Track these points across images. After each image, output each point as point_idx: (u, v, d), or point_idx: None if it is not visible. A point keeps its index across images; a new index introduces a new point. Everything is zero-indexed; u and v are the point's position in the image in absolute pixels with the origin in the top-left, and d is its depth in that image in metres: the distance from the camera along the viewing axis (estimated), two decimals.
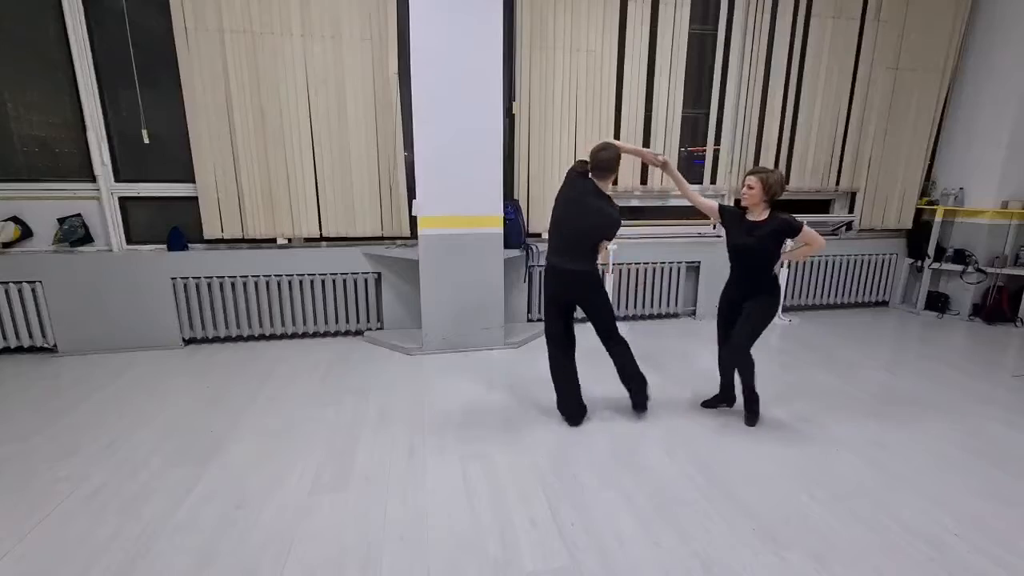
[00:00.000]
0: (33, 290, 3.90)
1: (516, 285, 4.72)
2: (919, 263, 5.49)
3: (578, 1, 4.33)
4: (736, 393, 3.14)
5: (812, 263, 5.35)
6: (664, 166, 3.02)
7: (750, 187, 2.73)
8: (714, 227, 5.25)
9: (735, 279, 2.96)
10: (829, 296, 5.53)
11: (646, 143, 4.77)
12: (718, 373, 3.14)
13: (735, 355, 2.89)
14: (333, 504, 2.26)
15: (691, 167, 5.08)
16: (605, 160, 2.73)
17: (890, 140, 5.23)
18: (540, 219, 4.68)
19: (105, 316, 4.03)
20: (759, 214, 2.77)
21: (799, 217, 2.76)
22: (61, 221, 3.98)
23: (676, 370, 3.85)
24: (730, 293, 2.97)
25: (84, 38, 3.79)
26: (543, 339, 4.53)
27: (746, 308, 2.85)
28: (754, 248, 2.77)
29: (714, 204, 2.97)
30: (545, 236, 4.75)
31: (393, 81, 4.09)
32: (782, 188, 2.74)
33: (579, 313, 3.00)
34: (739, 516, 2.20)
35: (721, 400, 3.19)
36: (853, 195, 5.41)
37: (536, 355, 4.09)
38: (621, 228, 3.95)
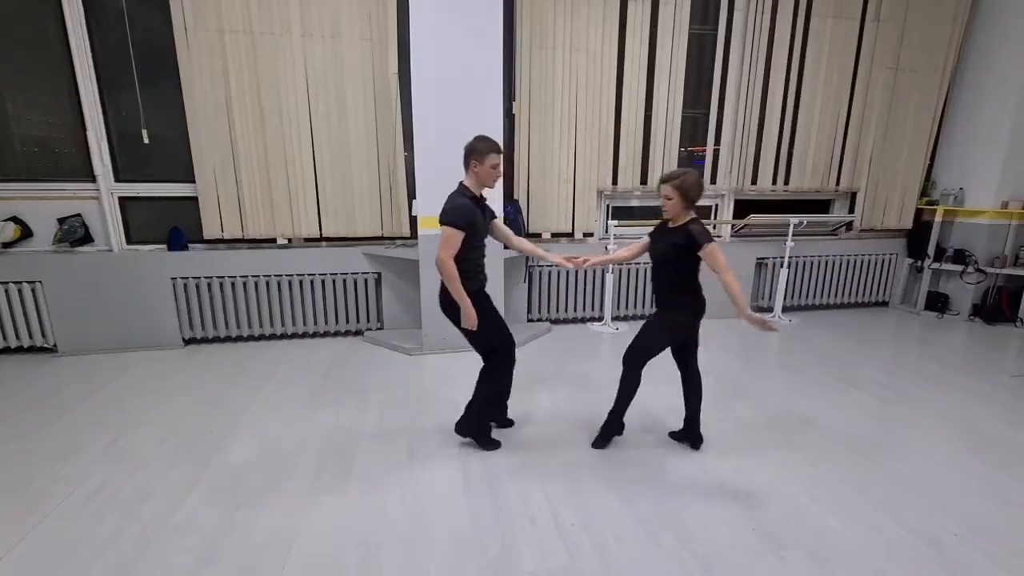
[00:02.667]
0: (33, 290, 3.90)
1: (516, 285, 4.72)
2: (919, 263, 5.49)
3: (578, 1, 4.33)
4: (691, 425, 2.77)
5: (812, 263, 5.34)
6: (586, 263, 2.64)
7: (667, 197, 2.38)
8: (714, 227, 5.25)
9: (656, 293, 2.58)
10: (829, 296, 5.52)
11: (646, 143, 4.77)
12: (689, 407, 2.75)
13: (624, 363, 2.58)
14: (333, 504, 2.26)
15: (691, 167, 5.07)
16: (465, 150, 2.47)
17: (890, 140, 5.23)
18: (540, 219, 4.68)
19: (105, 316, 4.03)
20: (681, 220, 2.42)
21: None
22: (61, 221, 3.98)
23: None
24: None
25: (84, 38, 3.79)
26: (542, 340, 4.56)
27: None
28: (657, 256, 2.48)
29: (643, 240, 2.64)
30: (546, 236, 4.76)
31: (393, 81, 4.09)
32: (700, 188, 2.37)
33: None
34: (739, 516, 2.20)
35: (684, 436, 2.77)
36: (853, 195, 5.41)
37: (535, 355, 4.09)
38: (621, 228, 3.81)
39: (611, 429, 2.72)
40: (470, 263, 2.47)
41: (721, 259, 2.29)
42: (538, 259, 2.92)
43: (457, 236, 2.35)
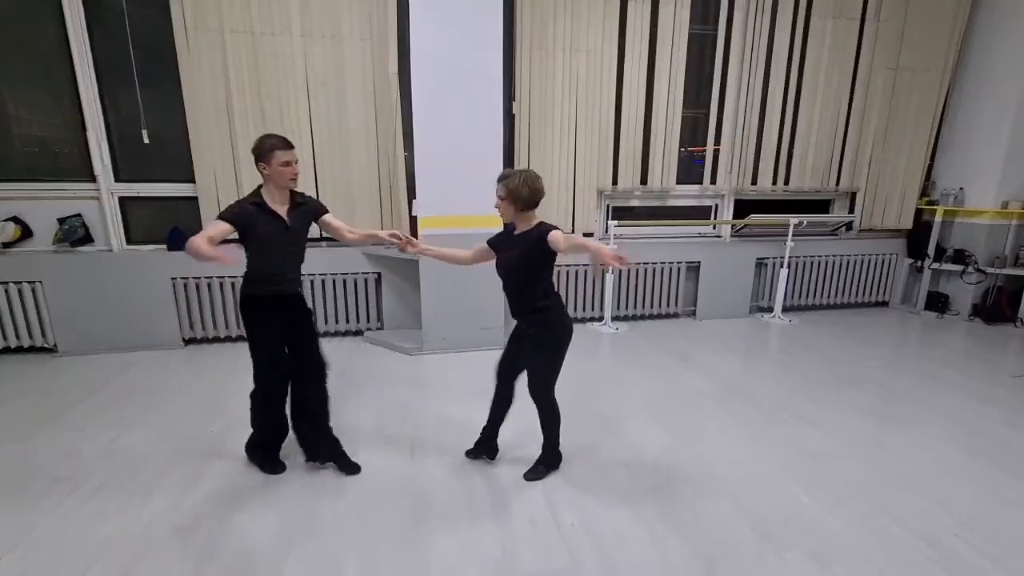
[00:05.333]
0: (33, 290, 3.90)
1: None
2: (919, 263, 5.49)
3: (578, 2, 4.33)
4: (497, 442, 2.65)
5: (812, 263, 5.35)
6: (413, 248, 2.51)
7: (500, 197, 2.23)
8: (714, 227, 5.25)
9: (510, 306, 2.38)
10: (829, 296, 5.52)
11: (646, 143, 4.77)
12: (489, 420, 2.62)
13: (537, 401, 2.39)
14: (333, 504, 2.26)
15: (691, 167, 5.08)
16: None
17: (890, 140, 5.23)
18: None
19: (105, 316, 4.03)
20: (525, 226, 2.28)
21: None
22: (61, 221, 3.98)
23: (678, 368, 3.85)
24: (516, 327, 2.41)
25: (84, 38, 3.79)
26: None
27: (527, 344, 2.34)
28: (514, 262, 2.27)
29: (481, 245, 2.46)
30: None
31: (393, 81, 4.09)
32: (530, 187, 2.19)
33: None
34: (739, 516, 2.20)
35: (483, 450, 2.62)
36: (853, 195, 5.40)
37: None
38: (621, 228, 3.80)
39: (550, 459, 2.50)
40: (257, 270, 2.31)
41: (574, 239, 2.13)
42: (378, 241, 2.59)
43: (216, 225, 2.15)
